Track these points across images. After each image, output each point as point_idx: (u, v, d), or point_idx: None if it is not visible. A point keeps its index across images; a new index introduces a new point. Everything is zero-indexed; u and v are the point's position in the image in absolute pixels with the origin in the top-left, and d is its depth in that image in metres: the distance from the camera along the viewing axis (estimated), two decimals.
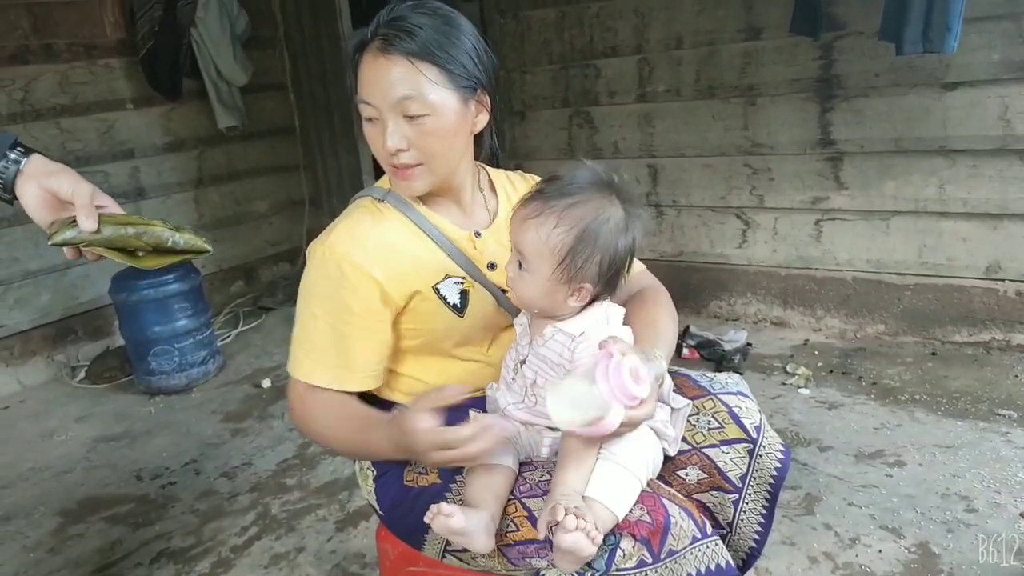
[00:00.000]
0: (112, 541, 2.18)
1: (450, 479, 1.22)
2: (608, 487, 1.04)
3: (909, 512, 1.93)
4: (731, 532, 1.26)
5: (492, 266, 1.31)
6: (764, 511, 1.26)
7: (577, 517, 0.96)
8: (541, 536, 1.03)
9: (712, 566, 1.04)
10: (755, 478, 1.24)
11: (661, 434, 1.19)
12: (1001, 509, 1.90)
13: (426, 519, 1.04)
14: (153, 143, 3.92)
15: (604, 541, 1.01)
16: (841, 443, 2.29)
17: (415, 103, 1.15)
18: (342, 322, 1.21)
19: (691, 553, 1.04)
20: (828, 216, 3.08)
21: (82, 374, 3.43)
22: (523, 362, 1.19)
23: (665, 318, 1.30)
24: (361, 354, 1.23)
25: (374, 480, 1.33)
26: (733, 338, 3.01)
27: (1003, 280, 2.77)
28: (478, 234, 1.32)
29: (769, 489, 1.25)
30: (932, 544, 1.81)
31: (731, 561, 1.07)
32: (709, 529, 1.09)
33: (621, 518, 1.03)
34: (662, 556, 1.02)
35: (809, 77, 2.96)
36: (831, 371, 2.78)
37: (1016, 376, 2.58)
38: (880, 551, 1.81)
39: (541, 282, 1.12)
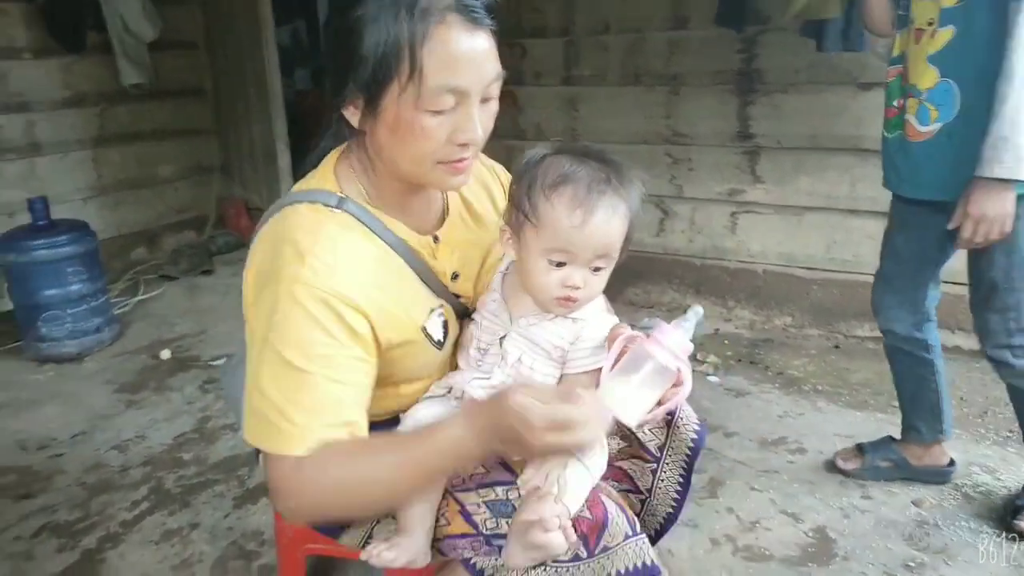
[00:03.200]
0: None
1: None
2: (567, 484, 1.01)
3: (808, 498, 1.99)
4: (650, 497, 1.29)
5: (455, 276, 1.18)
6: (681, 480, 1.29)
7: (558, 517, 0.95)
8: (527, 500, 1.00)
9: (639, 564, 1.05)
10: (672, 448, 1.26)
11: None
12: (895, 497, 1.98)
13: (362, 558, 1.03)
14: (51, 97, 3.65)
15: None
16: (746, 430, 2.34)
17: (498, 83, 1.01)
18: (329, 366, 0.97)
19: (623, 550, 1.05)
20: (744, 208, 3.14)
21: None
22: (503, 338, 1.12)
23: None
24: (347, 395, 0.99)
25: None
26: (647, 326, 3.03)
27: None
28: (436, 239, 1.15)
29: (685, 460, 1.27)
30: (829, 529, 1.87)
31: (656, 560, 1.08)
32: (639, 527, 1.09)
33: (572, 515, 1.01)
34: (596, 552, 1.03)
35: (731, 69, 3.01)
36: (739, 360, 2.84)
37: None
38: (779, 534, 1.86)
39: (612, 266, 1.08)
